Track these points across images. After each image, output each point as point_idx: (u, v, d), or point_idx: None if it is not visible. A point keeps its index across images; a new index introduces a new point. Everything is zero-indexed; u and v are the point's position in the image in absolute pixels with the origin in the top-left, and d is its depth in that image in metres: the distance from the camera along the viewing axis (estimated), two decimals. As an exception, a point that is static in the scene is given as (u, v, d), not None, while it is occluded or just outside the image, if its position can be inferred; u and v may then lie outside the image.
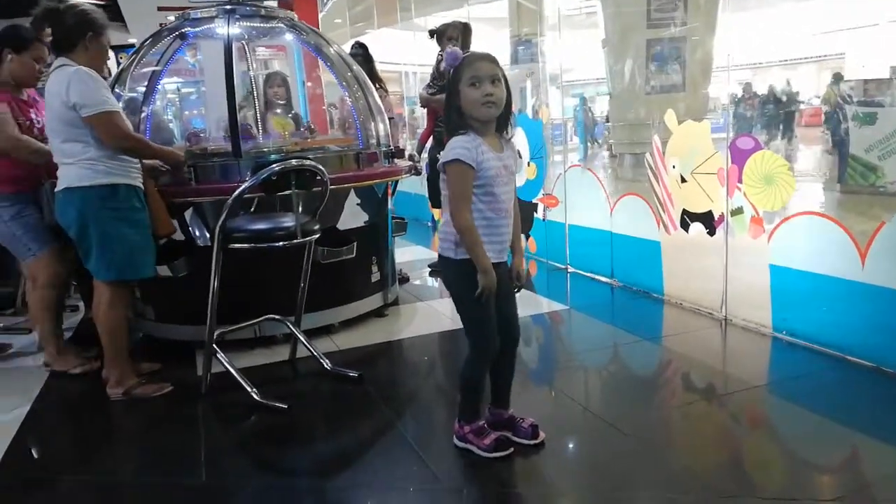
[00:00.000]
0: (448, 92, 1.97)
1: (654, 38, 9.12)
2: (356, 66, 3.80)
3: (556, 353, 3.32)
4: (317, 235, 2.74)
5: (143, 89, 3.65)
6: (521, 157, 5.04)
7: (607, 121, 10.55)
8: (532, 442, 2.14)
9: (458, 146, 1.92)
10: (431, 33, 4.35)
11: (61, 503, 2.08)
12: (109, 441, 2.48)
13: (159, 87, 3.77)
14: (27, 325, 3.64)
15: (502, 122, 2.01)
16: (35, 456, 2.35)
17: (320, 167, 2.65)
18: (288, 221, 2.66)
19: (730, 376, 2.84)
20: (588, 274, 4.39)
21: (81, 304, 3.79)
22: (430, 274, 4.66)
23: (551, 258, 4.78)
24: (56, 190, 2.60)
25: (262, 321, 3.04)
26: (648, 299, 3.82)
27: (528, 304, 3.92)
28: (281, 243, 2.62)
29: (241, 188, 2.49)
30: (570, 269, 4.56)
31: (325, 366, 2.87)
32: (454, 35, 4.26)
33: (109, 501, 2.07)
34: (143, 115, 3.50)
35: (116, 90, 3.43)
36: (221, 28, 3.39)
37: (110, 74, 3.80)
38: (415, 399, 2.71)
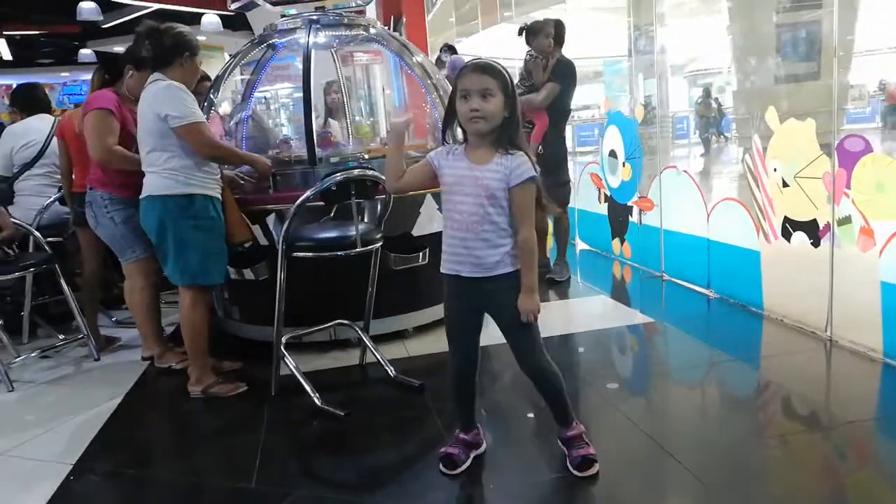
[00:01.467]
0: (448, 101, 1.93)
1: (785, 22, 8.41)
2: (438, 74, 3.78)
3: (636, 371, 3.12)
4: (378, 245, 2.75)
5: (240, 97, 3.86)
6: (616, 157, 4.82)
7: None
8: (577, 473, 2.02)
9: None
10: (521, 30, 4.24)
11: (118, 498, 2.22)
12: (178, 440, 2.63)
13: (254, 95, 3.96)
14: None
15: (504, 136, 1.88)
16: (112, 450, 2.51)
17: (380, 176, 2.65)
18: (351, 231, 2.68)
19: (831, 408, 2.56)
20: (683, 283, 4.11)
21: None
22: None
23: (646, 264, 4.53)
24: (140, 197, 2.78)
25: (332, 326, 3.09)
26: (746, 313, 3.52)
27: (617, 315, 3.74)
28: (342, 253, 2.65)
29: (300, 199, 2.55)
30: (666, 277, 4.30)
31: (390, 373, 2.88)
32: (550, 32, 4.13)
33: (161, 499, 2.18)
34: (232, 122, 3.68)
35: (210, 96, 3.63)
36: (304, 38, 3.48)
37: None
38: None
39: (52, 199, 3.74)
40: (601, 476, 2.02)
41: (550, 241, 4.64)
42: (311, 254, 2.64)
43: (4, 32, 11.82)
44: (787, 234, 3.22)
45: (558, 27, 4.19)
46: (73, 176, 3.47)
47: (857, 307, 2.87)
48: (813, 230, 3.06)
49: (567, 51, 4.29)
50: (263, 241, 3.20)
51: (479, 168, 1.88)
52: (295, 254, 2.63)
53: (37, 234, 3.52)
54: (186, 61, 2.77)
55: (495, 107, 1.82)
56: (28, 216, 3.71)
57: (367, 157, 3.47)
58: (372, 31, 3.75)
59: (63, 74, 16.76)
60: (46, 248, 3.49)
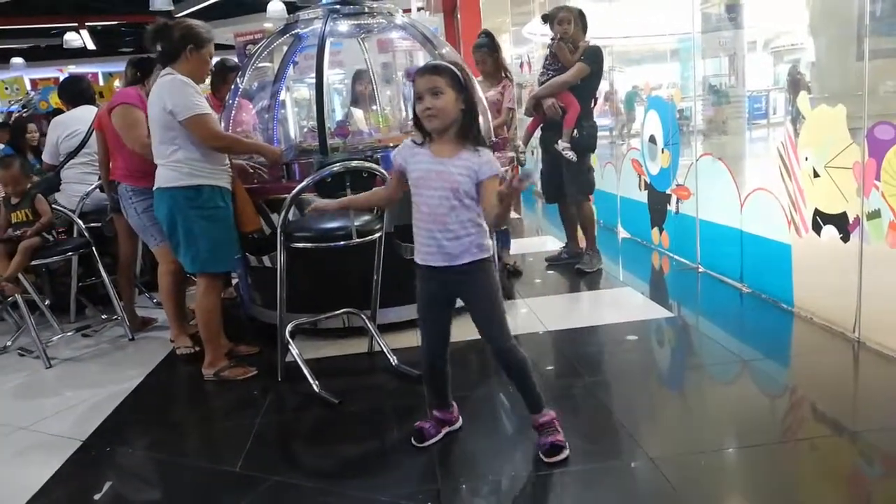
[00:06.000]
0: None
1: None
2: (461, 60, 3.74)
3: (651, 368, 2.96)
4: (376, 236, 2.77)
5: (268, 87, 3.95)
6: (655, 143, 4.64)
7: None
8: (545, 459, 2.06)
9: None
10: (544, 18, 4.18)
11: (109, 475, 2.32)
12: (182, 421, 2.76)
13: (282, 85, 4.04)
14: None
15: (467, 129, 1.97)
16: (118, 429, 2.65)
17: (376, 168, 2.65)
18: (350, 222, 2.70)
19: (851, 414, 2.40)
20: (718, 276, 3.94)
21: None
22: (548, 268, 4.50)
23: (683, 255, 4.36)
24: (154, 188, 2.90)
25: (340, 314, 3.14)
26: (777, 310, 3.34)
27: (644, 308, 3.62)
28: (342, 243, 2.69)
29: (294, 190, 2.59)
30: (701, 269, 4.13)
31: (392, 361, 2.91)
32: (567, 18, 4.07)
33: (151, 478, 2.32)
34: (259, 110, 3.77)
35: (238, 82, 3.73)
36: (327, 27, 3.51)
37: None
38: (460, 407, 2.59)
39: (93, 186, 3.94)
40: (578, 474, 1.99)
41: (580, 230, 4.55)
42: (309, 244, 2.68)
43: (87, 24, 12.48)
44: (817, 228, 3.03)
45: (580, 16, 4.15)
46: (111, 165, 3.65)
47: (885, 307, 2.68)
48: (842, 224, 2.86)
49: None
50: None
51: (443, 162, 1.97)
52: (293, 244, 2.68)
53: (77, 220, 3.73)
54: (191, 54, 2.82)
55: (446, 102, 1.93)
56: (72, 202, 3.95)
57: (375, 146, 3.47)
58: (397, 20, 3.74)
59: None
60: (85, 233, 3.69)
